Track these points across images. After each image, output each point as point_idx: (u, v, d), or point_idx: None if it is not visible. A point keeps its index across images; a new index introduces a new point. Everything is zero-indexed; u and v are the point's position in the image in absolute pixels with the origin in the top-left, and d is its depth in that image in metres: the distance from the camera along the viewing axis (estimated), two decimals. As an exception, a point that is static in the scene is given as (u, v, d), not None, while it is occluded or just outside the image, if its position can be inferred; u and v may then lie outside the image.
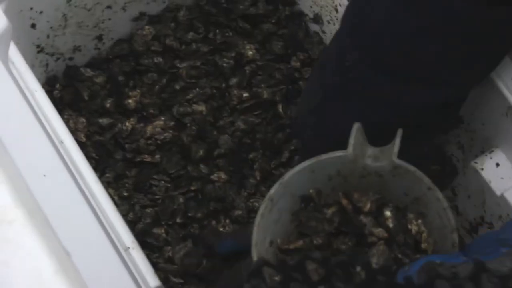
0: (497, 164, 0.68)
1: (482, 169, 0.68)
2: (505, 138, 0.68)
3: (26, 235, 0.26)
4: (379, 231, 0.55)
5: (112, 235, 0.57)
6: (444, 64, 0.56)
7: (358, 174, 0.57)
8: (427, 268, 0.47)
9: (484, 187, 0.69)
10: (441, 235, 0.55)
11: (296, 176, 0.56)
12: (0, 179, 0.28)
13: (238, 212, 0.79)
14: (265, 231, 0.56)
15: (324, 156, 0.56)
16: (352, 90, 0.60)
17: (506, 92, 0.66)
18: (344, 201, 0.56)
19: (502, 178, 0.68)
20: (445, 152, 0.80)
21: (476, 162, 0.69)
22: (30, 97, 0.63)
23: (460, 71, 0.57)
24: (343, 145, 0.56)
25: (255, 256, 0.54)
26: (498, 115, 0.67)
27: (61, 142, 0.62)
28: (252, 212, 0.79)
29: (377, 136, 0.56)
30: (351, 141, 0.55)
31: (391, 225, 0.55)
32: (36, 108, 0.63)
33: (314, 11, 0.87)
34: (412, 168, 0.55)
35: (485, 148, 0.71)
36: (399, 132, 0.55)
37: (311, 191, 0.57)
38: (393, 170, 0.56)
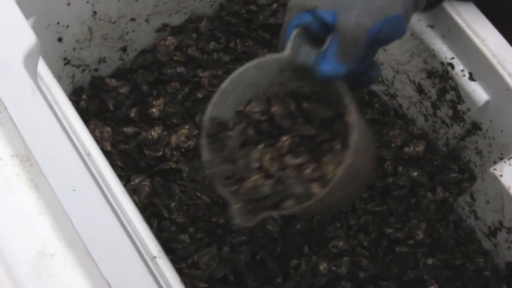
0: (516, 171, 0.68)
1: (501, 175, 0.68)
2: (524, 145, 0.69)
3: (67, 268, 0.27)
4: None
5: (139, 245, 0.59)
6: None
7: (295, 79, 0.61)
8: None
9: (503, 193, 0.69)
10: None
11: (244, 74, 0.59)
12: (40, 209, 0.29)
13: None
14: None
15: (265, 58, 0.59)
16: None
17: (524, 99, 0.66)
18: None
19: (521, 184, 0.68)
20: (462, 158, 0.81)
21: (495, 169, 0.69)
22: (58, 111, 0.65)
23: None
24: None
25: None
26: (517, 122, 0.68)
27: (89, 155, 0.63)
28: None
29: None
30: (289, 44, 0.57)
31: None
32: (64, 121, 0.65)
33: (333, 19, 0.88)
34: None
35: (504, 154, 0.72)
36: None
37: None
38: None
